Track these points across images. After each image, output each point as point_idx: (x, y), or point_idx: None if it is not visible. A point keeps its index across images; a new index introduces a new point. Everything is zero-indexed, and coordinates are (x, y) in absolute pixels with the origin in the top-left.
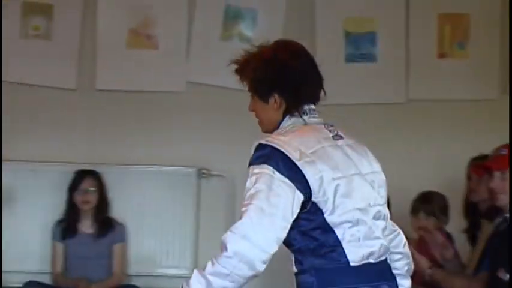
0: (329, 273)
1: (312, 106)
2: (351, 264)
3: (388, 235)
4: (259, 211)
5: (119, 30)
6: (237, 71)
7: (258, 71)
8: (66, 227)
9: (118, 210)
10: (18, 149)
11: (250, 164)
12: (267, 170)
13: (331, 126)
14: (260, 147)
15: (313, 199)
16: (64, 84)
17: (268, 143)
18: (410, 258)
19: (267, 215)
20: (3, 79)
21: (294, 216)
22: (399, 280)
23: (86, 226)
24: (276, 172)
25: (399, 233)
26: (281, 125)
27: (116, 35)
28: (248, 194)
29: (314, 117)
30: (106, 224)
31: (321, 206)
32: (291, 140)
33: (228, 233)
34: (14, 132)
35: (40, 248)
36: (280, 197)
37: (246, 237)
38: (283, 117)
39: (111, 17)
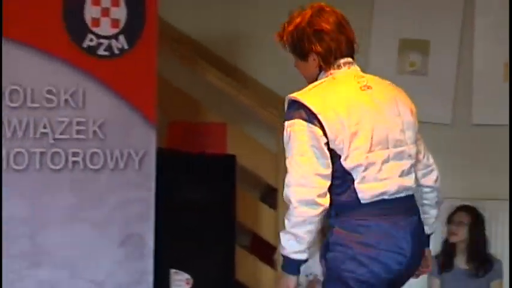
0: (344, 207)
1: (348, 59)
2: (362, 201)
3: (419, 170)
4: (300, 159)
5: (495, 65)
6: (278, 37)
7: (295, 35)
8: (443, 261)
9: (495, 246)
10: None
11: (285, 120)
12: (297, 122)
13: (362, 77)
14: (289, 103)
15: (331, 146)
16: (439, 120)
17: (295, 99)
18: (440, 192)
19: (307, 160)
20: None
21: (328, 153)
22: (428, 209)
23: (462, 261)
24: (304, 122)
25: (433, 169)
26: (318, 78)
27: (493, 69)
28: (287, 147)
29: (346, 69)
30: (482, 261)
31: (338, 152)
32: (316, 93)
33: (285, 189)
34: None
35: (418, 282)
36: (314, 141)
37: (298, 185)
38: (320, 72)
39: (487, 52)
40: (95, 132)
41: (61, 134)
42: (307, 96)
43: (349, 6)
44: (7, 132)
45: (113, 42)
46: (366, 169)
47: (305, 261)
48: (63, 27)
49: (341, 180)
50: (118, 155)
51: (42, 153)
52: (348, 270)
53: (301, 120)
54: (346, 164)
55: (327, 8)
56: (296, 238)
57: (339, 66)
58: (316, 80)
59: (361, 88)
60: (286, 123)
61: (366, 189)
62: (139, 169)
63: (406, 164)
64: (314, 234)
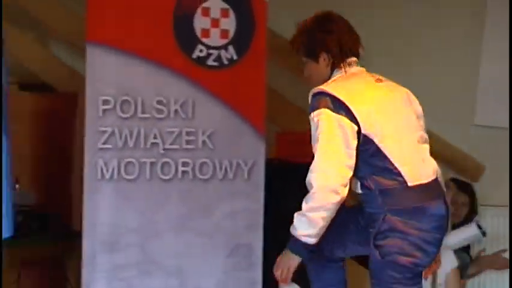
0: (392, 193)
1: (354, 59)
2: (409, 184)
3: None
4: (326, 148)
5: None
6: (292, 46)
7: (307, 38)
8: None
9: None
10: None
11: (311, 111)
12: (324, 112)
13: (372, 73)
14: (314, 95)
15: (363, 131)
16: None
17: (320, 90)
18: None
19: (333, 149)
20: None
21: (355, 144)
22: None
23: None
24: (331, 112)
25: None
26: (331, 77)
27: None
28: (315, 136)
29: (356, 67)
30: None
31: (371, 136)
32: (338, 84)
33: (309, 174)
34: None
35: None
36: (339, 131)
37: (322, 171)
38: (332, 72)
39: None
40: (204, 142)
41: (171, 144)
42: (330, 87)
43: (462, 14)
44: (118, 143)
45: (222, 52)
46: (402, 152)
47: (313, 246)
48: (173, 38)
49: (381, 165)
50: (227, 165)
51: (152, 163)
52: (408, 254)
53: (327, 110)
54: (384, 146)
55: (335, 14)
56: (310, 222)
57: (350, 64)
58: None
59: (376, 81)
60: (313, 113)
61: (410, 172)
62: (248, 179)
63: (428, 147)
64: (327, 221)
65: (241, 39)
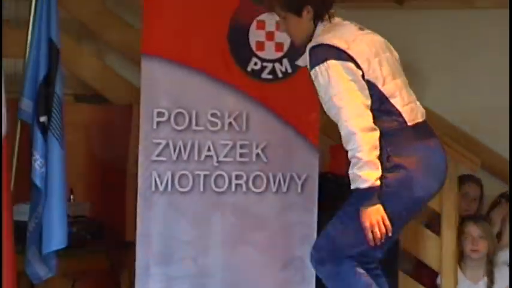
0: (393, 134)
1: (333, 10)
2: (408, 123)
3: None
4: (348, 93)
5: None
6: (267, 4)
7: None
8: None
9: None
10: None
11: (315, 65)
12: (331, 64)
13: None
14: (314, 49)
15: (366, 77)
16: None
17: (320, 43)
18: None
19: (354, 93)
20: None
21: (366, 86)
22: None
23: None
24: (337, 61)
25: None
26: (316, 31)
27: None
28: (329, 87)
29: (336, 18)
30: None
31: (373, 81)
32: (334, 36)
33: (345, 124)
34: None
35: None
36: (350, 77)
37: (357, 115)
38: (315, 25)
39: None
40: (257, 155)
41: (225, 156)
42: (326, 39)
43: None
44: (172, 155)
45: (277, 65)
46: (400, 93)
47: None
48: (228, 51)
49: (383, 108)
50: (280, 178)
51: (206, 176)
52: (408, 188)
53: (333, 60)
54: (385, 89)
55: None
56: (374, 165)
57: (332, 16)
58: (311, 35)
59: (359, 29)
60: (320, 66)
61: (409, 111)
62: (302, 192)
63: (412, 93)
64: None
65: (296, 53)
